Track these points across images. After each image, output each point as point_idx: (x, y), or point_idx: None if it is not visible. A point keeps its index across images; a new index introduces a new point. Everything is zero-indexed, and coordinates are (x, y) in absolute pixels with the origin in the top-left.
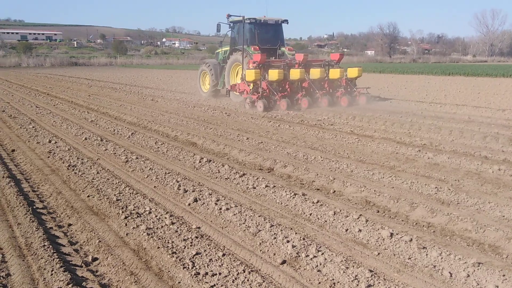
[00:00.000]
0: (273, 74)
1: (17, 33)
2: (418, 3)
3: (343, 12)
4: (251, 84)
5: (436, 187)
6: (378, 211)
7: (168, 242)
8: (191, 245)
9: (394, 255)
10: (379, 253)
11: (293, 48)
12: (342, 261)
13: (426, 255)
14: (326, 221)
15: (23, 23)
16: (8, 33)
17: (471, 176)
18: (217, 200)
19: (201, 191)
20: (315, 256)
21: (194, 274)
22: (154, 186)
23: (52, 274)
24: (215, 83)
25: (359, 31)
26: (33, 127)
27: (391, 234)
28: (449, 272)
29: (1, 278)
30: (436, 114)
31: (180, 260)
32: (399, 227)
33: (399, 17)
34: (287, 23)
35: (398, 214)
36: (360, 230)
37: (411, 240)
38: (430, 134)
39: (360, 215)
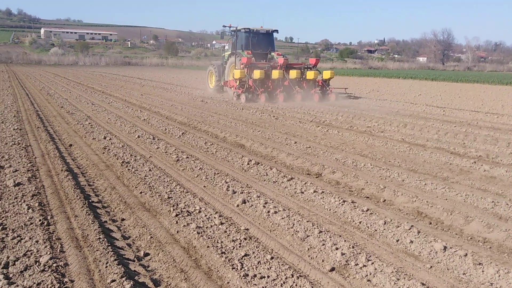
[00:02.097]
0: (256, 74)
1: (75, 32)
2: (475, 10)
3: (396, 17)
4: (238, 81)
5: (493, 201)
6: (431, 223)
7: (217, 242)
8: (239, 246)
9: (447, 269)
10: (431, 266)
11: (281, 53)
12: (392, 272)
13: (482, 271)
14: (376, 230)
15: (81, 23)
16: (67, 32)
17: None
18: (265, 203)
19: (249, 193)
20: (364, 265)
21: (243, 276)
22: (204, 186)
23: (106, 267)
24: (219, 80)
25: (411, 37)
26: (89, 123)
27: (445, 248)
28: None
29: (60, 267)
30: (493, 125)
31: (229, 260)
32: (453, 241)
33: (455, 23)
34: (277, 32)
35: (452, 227)
36: (411, 242)
37: (466, 255)
38: (486, 145)
39: (412, 226)
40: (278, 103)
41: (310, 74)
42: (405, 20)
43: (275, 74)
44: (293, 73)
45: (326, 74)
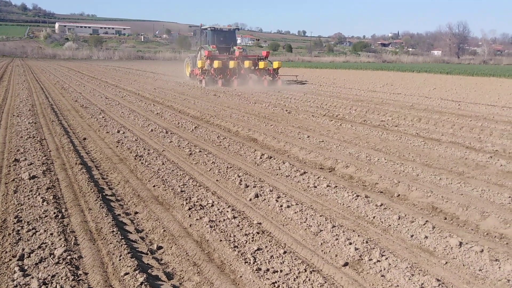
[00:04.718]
0: (215, 63)
1: (89, 27)
2: (492, 2)
3: (410, 10)
4: (200, 69)
5: (510, 197)
6: (446, 218)
7: (230, 236)
8: (252, 240)
9: (463, 265)
10: (446, 262)
11: (241, 47)
12: (407, 267)
13: (499, 268)
14: (390, 225)
15: (95, 18)
16: (81, 27)
17: None
18: (278, 197)
19: (262, 187)
20: (378, 261)
21: (256, 270)
22: (217, 180)
23: (120, 260)
24: (192, 69)
25: (426, 30)
26: (103, 117)
27: (460, 243)
28: None
29: (74, 260)
30: (509, 119)
31: (241, 254)
32: (469, 236)
33: (471, 16)
34: (239, 30)
35: (468, 222)
36: (426, 237)
37: (482, 250)
38: (502, 140)
39: (427, 221)
40: (233, 87)
41: (261, 64)
42: (419, 13)
43: (231, 64)
44: (247, 63)
45: (275, 64)
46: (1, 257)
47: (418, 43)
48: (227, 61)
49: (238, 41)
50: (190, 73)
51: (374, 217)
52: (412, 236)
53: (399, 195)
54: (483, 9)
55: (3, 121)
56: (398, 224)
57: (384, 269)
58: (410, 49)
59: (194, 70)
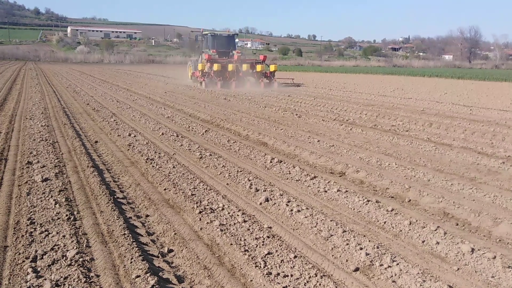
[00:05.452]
0: (215, 66)
1: (101, 31)
2: (504, 6)
3: (421, 14)
4: (200, 72)
5: None
6: (457, 224)
7: (241, 240)
8: (263, 244)
9: (475, 272)
10: (458, 269)
11: (240, 51)
12: (418, 273)
13: None
14: (401, 230)
15: (106, 22)
16: (93, 31)
17: None
18: (288, 201)
19: (272, 191)
20: (389, 266)
21: (266, 274)
22: (227, 184)
23: (131, 262)
24: (193, 72)
25: (437, 34)
26: (114, 120)
27: (472, 250)
28: None
29: (86, 262)
30: None
31: (252, 258)
32: (481, 243)
33: (482, 20)
34: (237, 35)
35: (480, 228)
36: (437, 243)
37: (494, 257)
38: None
39: (438, 226)
40: (231, 89)
41: (258, 67)
42: (430, 17)
43: (230, 67)
44: (244, 67)
45: (272, 68)
46: (15, 258)
47: (429, 47)
48: (226, 64)
49: (248, 45)
50: (191, 76)
51: (385, 222)
52: (423, 241)
53: (410, 200)
54: (495, 14)
55: (16, 124)
56: (409, 229)
57: (395, 275)
58: (421, 54)
59: (195, 73)
